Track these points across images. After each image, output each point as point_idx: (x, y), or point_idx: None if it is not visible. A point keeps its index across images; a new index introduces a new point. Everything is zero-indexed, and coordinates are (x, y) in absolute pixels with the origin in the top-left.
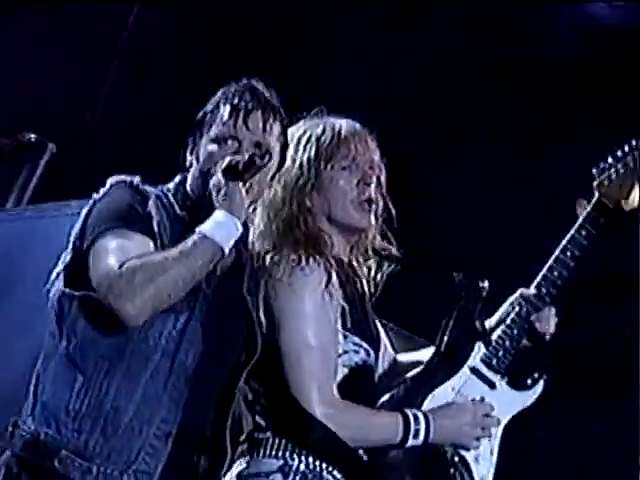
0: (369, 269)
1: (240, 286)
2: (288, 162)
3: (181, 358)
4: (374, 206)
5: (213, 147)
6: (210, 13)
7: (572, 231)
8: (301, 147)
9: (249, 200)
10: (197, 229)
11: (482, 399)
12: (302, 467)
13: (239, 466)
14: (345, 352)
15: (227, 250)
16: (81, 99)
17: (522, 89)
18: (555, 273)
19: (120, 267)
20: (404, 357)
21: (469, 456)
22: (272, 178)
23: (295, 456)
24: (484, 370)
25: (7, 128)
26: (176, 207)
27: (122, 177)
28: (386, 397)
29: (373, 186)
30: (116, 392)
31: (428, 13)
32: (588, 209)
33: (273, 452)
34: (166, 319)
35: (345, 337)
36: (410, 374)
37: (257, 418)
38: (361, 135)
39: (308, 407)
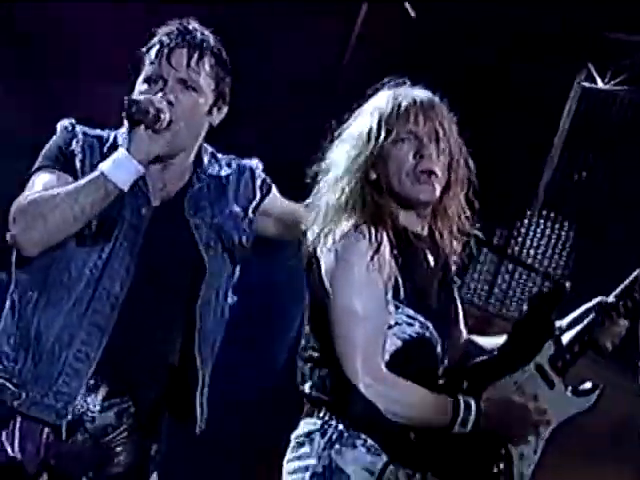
0: (451, 245)
1: (182, 213)
2: (353, 132)
3: (105, 285)
4: (434, 178)
5: (143, 87)
6: None
7: None
8: (364, 119)
9: (167, 134)
10: (99, 166)
11: (536, 398)
12: (340, 426)
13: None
14: (397, 324)
15: (126, 187)
16: None
17: None
18: (636, 287)
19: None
20: (481, 340)
21: (514, 451)
22: (209, 112)
23: (334, 416)
24: (548, 369)
25: None
26: (106, 146)
27: (65, 120)
28: (447, 376)
29: (435, 158)
30: (38, 321)
31: None
32: None
33: (315, 412)
34: (90, 251)
35: (397, 308)
36: (478, 359)
37: (307, 380)
38: (423, 106)
39: (352, 376)
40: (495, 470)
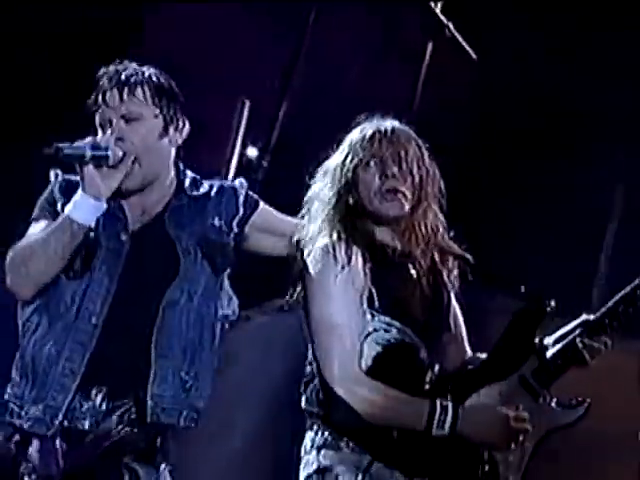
0: (436, 260)
1: (163, 229)
2: (330, 165)
3: (87, 306)
4: (400, 195)
5: (100, 133)
6: None
7: None
8: (340, 150)
9: (123, 167)
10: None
11: (518, 408)
12: (326, 433)
13: None
14: (375, 330)
15: (91, 224)
16: None
17: None
18: (622, 307)
19: None
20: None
21: (499, 457)
22: (164, 134)
23: (323, 425)
24: (533, 382)
25: None
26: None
27: (51, 171)
28: (433, 382)
29: (399, 177)
30: (34, 347)
31: None
32: None
33: (311, 425)
34: (79, 282)
35: (373, 316)
36: (466, 368)
37: (302, 395)
38: (387, 133)
39: (330, 382)
40: (479, 474)
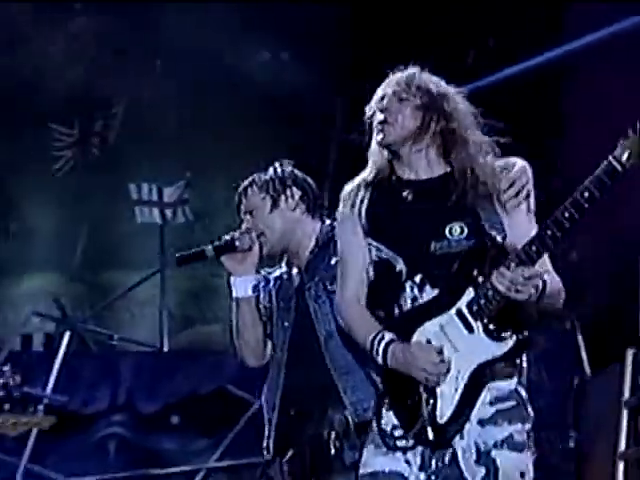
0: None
1: (304, 285)
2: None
3: (274, 355)
4: (386, 126)
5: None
6: None
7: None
8: None
9: (255, 247)
10: None
11: (441, 349)
12: None
13: None
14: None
15: (247, 294)
16: None
17: None
18: (549, 232)
19: None
20: None
21: (437, 390)
22: (274, 208)
23: None
24: (467, 314)
25: None
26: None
27: None
28: (397, 314)
29: (392, 108)
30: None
31: None
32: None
33: None
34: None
35: (368, 244)
36: (419, 303)
37: None
38: (391, 80)
39: None
40: (420, 401)
